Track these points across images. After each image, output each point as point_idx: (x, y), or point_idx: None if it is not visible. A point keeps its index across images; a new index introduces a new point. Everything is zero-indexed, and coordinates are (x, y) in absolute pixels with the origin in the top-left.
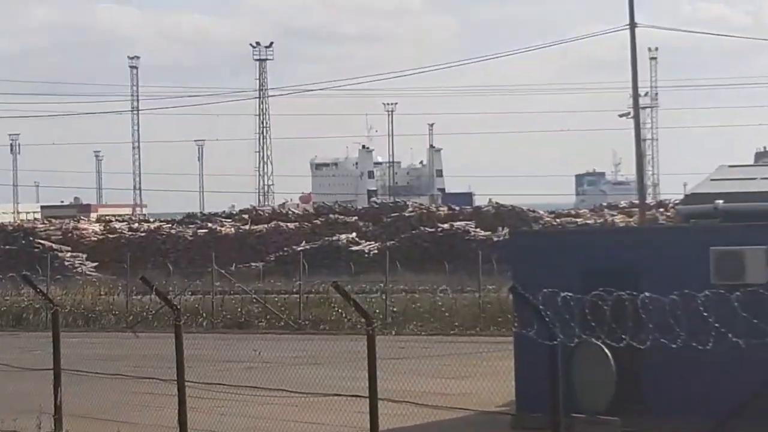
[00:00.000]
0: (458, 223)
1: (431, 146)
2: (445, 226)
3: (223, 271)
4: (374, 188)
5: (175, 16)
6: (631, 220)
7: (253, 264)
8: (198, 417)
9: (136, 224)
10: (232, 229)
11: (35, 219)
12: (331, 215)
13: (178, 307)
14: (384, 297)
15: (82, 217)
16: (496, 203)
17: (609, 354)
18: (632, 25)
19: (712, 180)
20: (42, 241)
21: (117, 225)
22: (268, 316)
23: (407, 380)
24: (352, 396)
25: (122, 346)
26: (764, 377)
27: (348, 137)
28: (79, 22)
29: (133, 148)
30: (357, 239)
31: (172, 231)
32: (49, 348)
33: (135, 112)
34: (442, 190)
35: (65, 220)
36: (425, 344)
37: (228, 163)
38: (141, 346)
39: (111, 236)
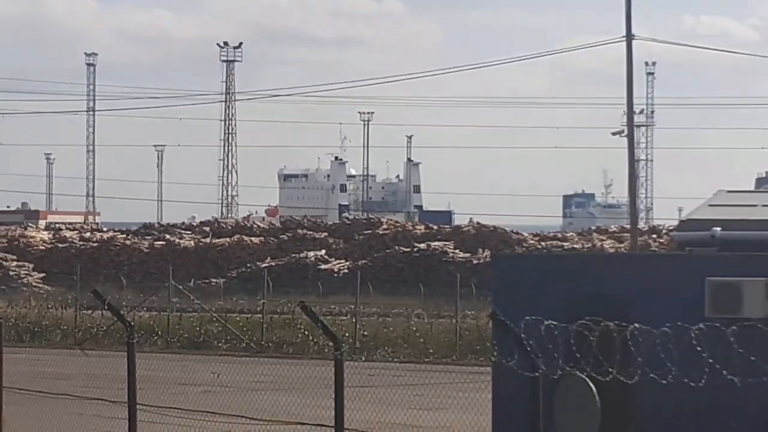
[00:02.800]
0: (436, 243)
1: (409, 160)
2: (422, 246)
3: (180, 287)
4: (346, 203)
5: (136, 11)
6: (621, 246)
7: (213, 280)
8: None
9: (88, 233)
10: (192, 242)
11: None
12: (300, 230)
13: (132, 323)
14: (354, 320)
15: (29, 224)
16: (477, 223)
17: (594, 388)
18: (629, 38)
19: (709, 206)
20: None
21: (67, 234)
22: (228, 337)
23: (377, 410)
24: (317, 425)
25: (70, 364)
26: (760, 417)
27: (320, 147)
28: (31, 14)
29: (88, 151)
30: (326, 257)
31: (127, 242)
32: None
33: (90, 113)
34: (420, 207)
35: (11, 227)
36: (397, 372)
37: (189, 171)
38: (90, 364)
39: (60, 245)
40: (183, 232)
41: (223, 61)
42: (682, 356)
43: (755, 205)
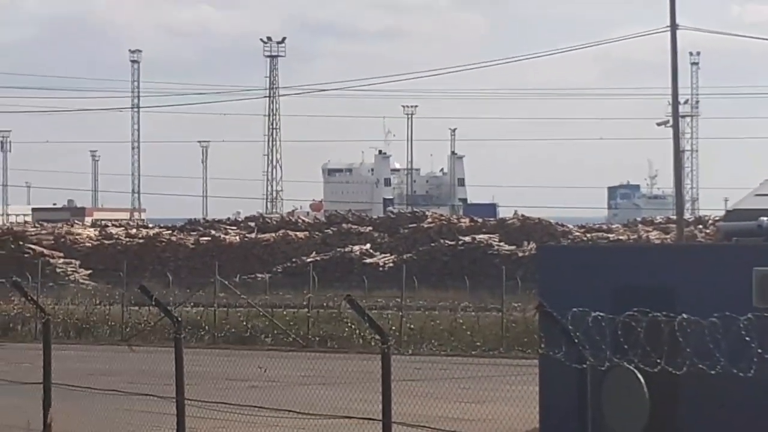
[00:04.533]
0: (481, 236)
1: (453, 153)
2: (467, 239)
3: (226, 282)
4: (391, 197)
5: (180, 7)
6: (667, 236)
7: (259, 275)
8: None
9: (134, 230)
10: (238, 237)
11: (26, 222)
12: (344, 225)
13: (179, 319)
14: (400, 314)
15: (76, 221)
16: (522, 215)
17: (642, 380)
18: (673, 27)
19: (756, 195)
20: (33, 246)
21: (113, 230)
22: (274, 332)
23: (424, 404)
24: (364, 419)
25: (117, 361)
26: None
27: (364, 141)
28: (76, 12)
29: (133, 148)
30: (371, 251)
31: (173, 238)
32: (39, 361)
33: (135, 109)
34: (464, 200)
35: (58, 224)
36: (444, 365)
37: (234, 167)
38: (138, 360)
39: (107, 242)
40: (228, 227)
41: (267, 56)
42: (730, 347)
43: None
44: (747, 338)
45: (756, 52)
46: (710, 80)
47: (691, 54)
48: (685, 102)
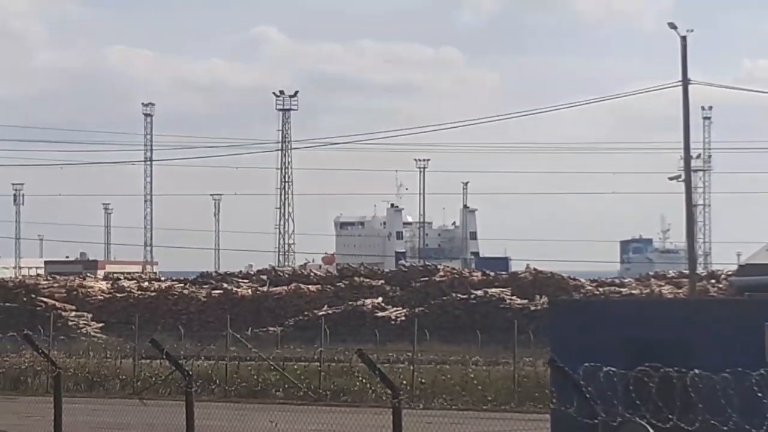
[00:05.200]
0: (493, 289)
1: (465, 206)
2: (479, 292)
3: (238, 336)
4: (403, 250)
5: (193, 61)
6: (680, 291)
7: (271, 329)
8: None
9: (146, 283)
10: (249, 290)
11: (38, 275)
12: (356, 278)
13: (190, 372)
14: (411, 367)
15: (88, 274)
16: (534, 269)
17: None
18: (685, 82)
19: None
20: (45, 299)
21: (125, 283)
22: (286, 385)
23: None
24: None
25: (129, 414)
26: None
27: (376, 195)
28: (89, 65)
29: (145, 201)
30: (383, 305)
31: (185, 291)
32: (50, 414)
33: (148, 162)
34: (476, 253)
35: (70, 277)
36: (455, 419)
37: (246, 220)
38: (149, 414)
39: (119, 295)
40: (240, 280)
41: (279, 109)
42: (742, 402)
43: None
44: (759, 394)
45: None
46: (722, 134)
47: (703, 108)
48: (698, 156)
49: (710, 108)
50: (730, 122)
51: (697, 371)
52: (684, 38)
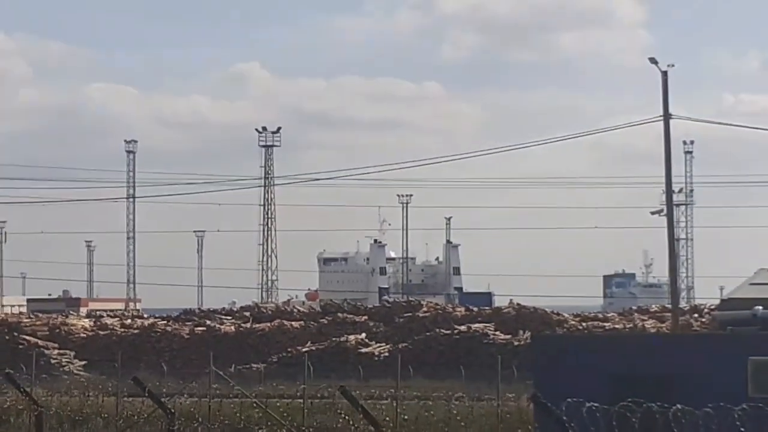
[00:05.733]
0: (476, 325)
1: (448, 241)
2: (462, 328)
3: (221, 373)
4: (386, 286)
5: (175, 98)
6: (663, 325)
7: (254, 365)
8: None
9: (129, 320)
10: (233, 327)
11: (21, 313)
12: (340, 314)
13: (173, 410)
14: (395, 404)
15: (71, 312)
16: (518, 304)
17: None
18: (666, 117)
19: (751, 284)
20: (27, 337)
21: (108, 321)
22: (269, 423)
23: None
24: None
25: None
26: None
27: (359, 230)
28: (72, 103)
29: (128, 238)
30: (367, 340)
31: (168, 328)
32: None
33: (131, 199)
34: (460, 289)
35: (53, 315)
36: None
37: (229, 256)
38: None
39: (102, 333)
40: (223, 317)
41: (262, 146)
42: None
43: None
44: (742, 429)
45: (749, 141)
46: (704, 169)
47: (685, 143)
48: (680, 191)
49: (692, 142)
50: (711, 156)
51: (679, 406)
52: (665, 73)
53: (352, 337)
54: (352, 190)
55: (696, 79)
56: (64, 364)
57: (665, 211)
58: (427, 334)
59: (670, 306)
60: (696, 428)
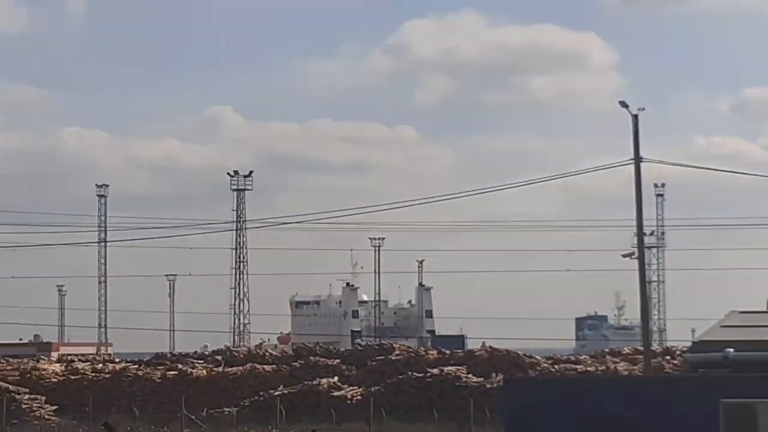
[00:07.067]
0: (449, 368)
1: (420, 284)
2: (435, 371)
3: (193, 417)
4: (358, 329)
5: (147, 142)
6: (635, 367)
7: (226, 409)
8: None
9: (101, 365)
10: (204, 371)
11: None
12: (312, 357)
13: None
14: None
15: (42, 357)
16: (490, 347)
17: None
18: (637, 160)
19: (722, 326)
20: None
21: (80, 365)
22: None
23: None
24: None
25: None
26: None
27: (331, 274)
28: (42, 147)
29: (99, 282)
30: (339, 384)
31: (139, 372)
32: None
33: (102, 244)
34: (432, 332)
35: (24, 360)
36: None
37: (201, 300)
38: None
39: (73, 377)
40: (195, 361)
41: (234, 189)
42: None
43: (767, 326)
44: None
45: (720, 183)
46: (676, 211)
47: (656, 185)
48: (651, 233)
49: (663, 185)
50: (683, 199)
51: None
52: (635, 117)
53: (324, 380)
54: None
55: (667, 122)
56: (35, 409)
57: (636, 254)
58: (400, 377)
59: (642, 348)
60: None
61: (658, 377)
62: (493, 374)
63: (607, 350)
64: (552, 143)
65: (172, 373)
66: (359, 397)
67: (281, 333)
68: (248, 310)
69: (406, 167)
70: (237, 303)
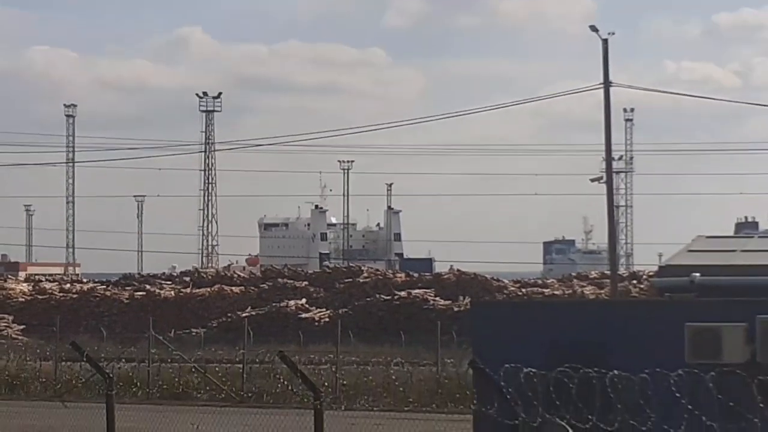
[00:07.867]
0: (416, 291)
1: (389, 208)
2: (403, 293)
3: (161, 338)
4: (327, 251)
5: (116, 62)
6: (601, 291)
7: (194, 330)
8: None
9: (68, 285)
10: (172, 292)
11: None
12: (280, 279)
13: (111, 375)
14: (334, 369)
15: (9, 276)
16: (458, 270)
17: None
18: (606, 85)
19: (689, 251)
20: None
21: (47, 285)
22: (208, 387)
23: None
24: None
25: (52, 417)
26: None
27: (300, 196)
28: (10, 67)
29: (67, 202)
30: (307, 306)
31: (107, 293)
32: None
33: (70, 164)
34: (400, 255)
35: None
36: (377, 420)
37: (169, 221)
38: (72, 416)
39: (40, 297)
40: (163, 282)
41: (203, 111)
42: (661, 402)
43: (734, 250)
44: (678, 394)
45: (690, 108)
46: (644, 136)
47: (625, 110)
48: (620, 158)
49: (632, 110)
50: (652, 124)
51: (616, 372)
52: (605, 41)
53: (292, 302)
54: (293, 156)
55: (637, 47)
56: (2, 328)
57: (605, 179)
58: (367, 299)
59: (609, 272)
60: (633, 393)
61: (624, 301)
62: (461, 297)
63: (574, 274)
64: (523, 67)
65: (140, 293)
66: (327, 320)
67: (249, 255)
68: (216, 232)
69: (376, 90)
70: (205, 224)
